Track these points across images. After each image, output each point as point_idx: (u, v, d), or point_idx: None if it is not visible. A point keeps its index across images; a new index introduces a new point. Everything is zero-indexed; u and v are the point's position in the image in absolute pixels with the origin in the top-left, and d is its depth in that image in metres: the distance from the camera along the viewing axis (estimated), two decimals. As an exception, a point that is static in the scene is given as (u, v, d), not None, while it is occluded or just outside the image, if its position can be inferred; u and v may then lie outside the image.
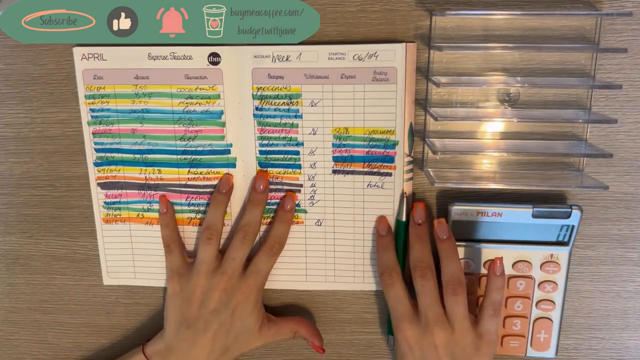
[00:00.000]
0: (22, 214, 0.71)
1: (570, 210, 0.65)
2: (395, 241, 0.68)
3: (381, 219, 0.67)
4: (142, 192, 0.70)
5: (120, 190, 0.70)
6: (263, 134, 0.67)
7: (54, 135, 0.69)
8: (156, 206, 0.70)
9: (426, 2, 0.63)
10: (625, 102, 0.65)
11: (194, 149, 0.68)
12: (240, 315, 0.66)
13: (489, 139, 0.67)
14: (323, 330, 0.73)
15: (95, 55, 0.66)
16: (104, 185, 0.70)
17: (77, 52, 0.66)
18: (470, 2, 0.63)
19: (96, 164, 0.69)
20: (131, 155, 0.69)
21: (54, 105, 0.68)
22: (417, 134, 0.67)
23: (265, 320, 0.69)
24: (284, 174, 0.68)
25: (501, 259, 0.63)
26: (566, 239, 0.66)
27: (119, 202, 0.70)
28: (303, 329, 0.70)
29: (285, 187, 0.68)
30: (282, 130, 0.67)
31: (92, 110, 0.68)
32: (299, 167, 0.67)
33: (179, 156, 0.68)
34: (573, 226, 0.65)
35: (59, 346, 0.76)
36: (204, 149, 0.68)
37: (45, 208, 0.71)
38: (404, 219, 0.67)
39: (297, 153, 0.67)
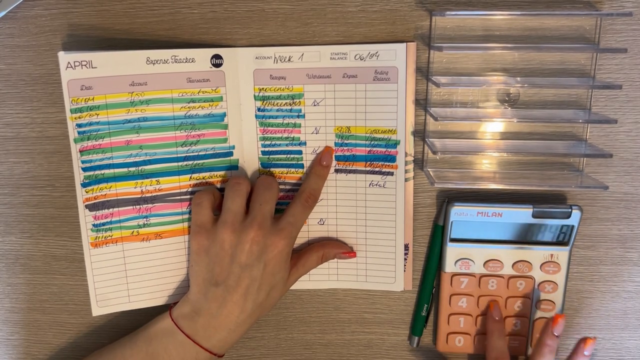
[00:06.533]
0: (22, 214, 0.71)
1: (570, 210, 0.65)
2: (432, 245, 0.69)
3: (494, 304, 0.68)
4: (138, 207, 0.67)
5: (111, 209, 0.67)
6: (265, 135, 0.67)
7: (54, 135, 0.69)
8: (153, 220, 0.68)
9: (426, 2, 0.64)
10: (625, 102, 0.65)
11: (196, 154, 0.67)
12: (272, 270, 0.64)
13: (489, 139, 0.67)
14: (323, 331, 0.73)
15: (84, 63, 0.63)
16: (92, 207, 0.66)
17: (63, 59, 0.62)
18: (470, 2, 0.63)
19: (84, 185, 0.66)
20: (125, 169, 0.66)
21: (54, 105, 0.68)
22: (417, 134, 0.67)
23: (292, 266, 0.67)
24: (286, 173, 0.68)
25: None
26: (566, 239, 0.66)
27: (110, 222, 0.67)
28: (328, 250, 0.68)
29: (288, 187, 0.68)
30: (284, 130, 0.67)
31: (79, 126, 0.64)
32: (302, 166, 0.68)
33: (180, 163, 0.67)
34: (573, 226, 0.66)
35: (59, 346, 0.75)
36: (207, 152, 0.67)
37: (45, 208, 0.71)
38: (441, 223, 0.68)
39: (300, 153, 0.67)
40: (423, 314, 0.71)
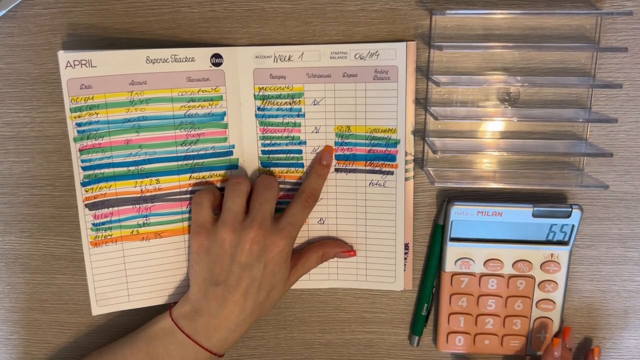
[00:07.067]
0: (22, 213, 0.71)
1: (570, 209, 0.65)
2: (432, 244, 0.69)
3: (558, 341, 0.67)
4: (137, 206, 0.67)
5: (111, 209, 0.67)
6: (265, 134, 0.67)
7: (54, 135, 0.69)
8: (153, 219, 0.67)
9: (426, 1, 0.64)
10: (625, 102, 0.65)
11: (196, 153, 0.67)
12: (273, 270, 0.64)
13: (489, 138, 0.67)
14: (323, 330, 0.73)
15: (83, 62, 0.63)
16: (92, 206, 0.66)
17: (62, 58, 0.62)
18: (470, 1, 0.63)
19: (83, 184, 0.65)
20: (124, 169, 0.66)
21: (53, 105, 0.68)
22: (417, 133, 0.67)
23: (292, 265, 0.67)
24: (286, 173, 0.68)
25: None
26: (566, 239, 0.66)
27: (110, 222, 0.67)
28: (328, 249, 0.68)
29: (288, 186, 0.68)
30: (284, 129, 0.67)
31: (79, 125, 0.64)
32: (302, 165, 0.68)
33: (180, 162, 0.67)
34: (573, 226, 0.65)
35: (59, 346, 0.75)
36: (207, 152, 0.67)
37: (45, 208, 0.71)
38: (441, 222, 0.68)
39: (300, 152, 0.67)
40: (423, 314, 0.71)
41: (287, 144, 0.67)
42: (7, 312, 0.74)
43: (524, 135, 0.66)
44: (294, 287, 0.69)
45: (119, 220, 0.67)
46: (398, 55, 0.64)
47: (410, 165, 0.67)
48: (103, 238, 0.67)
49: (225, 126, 0.67)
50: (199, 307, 0.64)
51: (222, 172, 0.68)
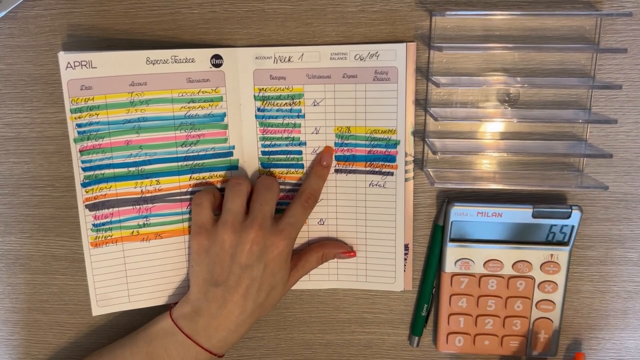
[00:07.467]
0: (22, 214, 0.71)
1: (570, 210, 0.65)
2: (432, 245, 0.69)
3: None
4: (138, 207, 0.67)
5: (111, 209, 0.67)
6: (265, 135, 0.67)
7: (54, 136, 0.69)
8: (153, 220, 0.67)
9: (426, 2, 0.64)
10: (625, 102, 0.65)
11: (196, 154, 0.67)
12: (273, 270, 0.64)
13: (489, 139, 0.67)
14: (323, 330, 0.73)
15: (83, 63, 0.63)
16: (92, 207, 0.66)
17: (63, 59, 0.62)
18: (470, 2, 0.63)
19: (84, 185, 0.65)
20: (125, 169, 0.66)
21: (54, 105, 0.68)
22: (417, 134, 0.67)
23: (292, 266, 0.67)
24: (286, 173, 0.68)
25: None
26: (566, 239, 0.66)
27: (110, 222, 0.67)
28: (328, 250, 0.68)
29: (288, 187, 0.68)
30: (284, 130, 0.67)
31: (79, 126, 0.64)
32: (302, 166, 0.68)
33: (180, 163, 0.67)
34: (573, 226, 0.65)
35: (59, 346, 0.75)
36: (207, 152, 0.67)
37: (45, 208, 0.71)
38: (441, 223, 0.68)
39: (300, 153, 0.67)
40: (423, 314, 0.71)
41: (287, 145, 0.67)
42: (7, 313, 0.74)
43: (524, 136, 0.66)
44: (294, 287, 0.69)
45: (119, 221, 0.67)
46: (398, 56, 0.64)
47: (410, 166, 0.67)
48: (103, 239, 0.67)
49: (226, 127, 0.67)
50: (199, 307, 0.64)
51: (222, 172, 0.68)
